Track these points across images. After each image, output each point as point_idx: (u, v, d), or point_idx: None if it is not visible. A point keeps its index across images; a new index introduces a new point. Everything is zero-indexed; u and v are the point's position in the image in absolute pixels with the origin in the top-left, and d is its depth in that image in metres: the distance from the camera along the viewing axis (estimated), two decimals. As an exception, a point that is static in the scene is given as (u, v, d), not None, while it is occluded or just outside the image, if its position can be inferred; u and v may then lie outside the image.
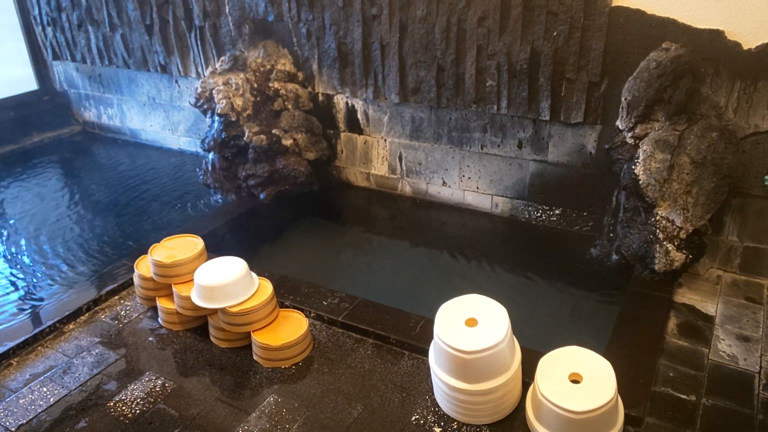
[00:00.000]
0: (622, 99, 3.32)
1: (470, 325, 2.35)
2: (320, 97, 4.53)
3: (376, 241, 4.34)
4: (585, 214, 3.87)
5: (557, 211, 3.97)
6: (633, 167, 3.23)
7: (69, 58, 5.84)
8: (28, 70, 6.26)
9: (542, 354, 2.40)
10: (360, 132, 4.51)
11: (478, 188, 4.19)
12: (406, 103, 4.16)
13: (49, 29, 5.81)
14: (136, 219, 4.62)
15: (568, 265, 3.77)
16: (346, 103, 4.46)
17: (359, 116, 4.45)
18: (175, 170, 5.42)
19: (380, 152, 4.49)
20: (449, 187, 4.30)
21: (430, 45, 3.83)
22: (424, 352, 2.81)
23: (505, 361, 2.33)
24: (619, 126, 3.38)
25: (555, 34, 3.44)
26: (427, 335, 2.87)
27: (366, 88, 4.23)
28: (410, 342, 2.89)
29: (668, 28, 3.21)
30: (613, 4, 3.28)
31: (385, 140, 4.42)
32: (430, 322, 2.96)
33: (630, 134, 3.32)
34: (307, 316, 3.04)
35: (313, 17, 4.20)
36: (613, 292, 3.56)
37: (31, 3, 5.81)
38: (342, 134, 4.60)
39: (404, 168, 4.43)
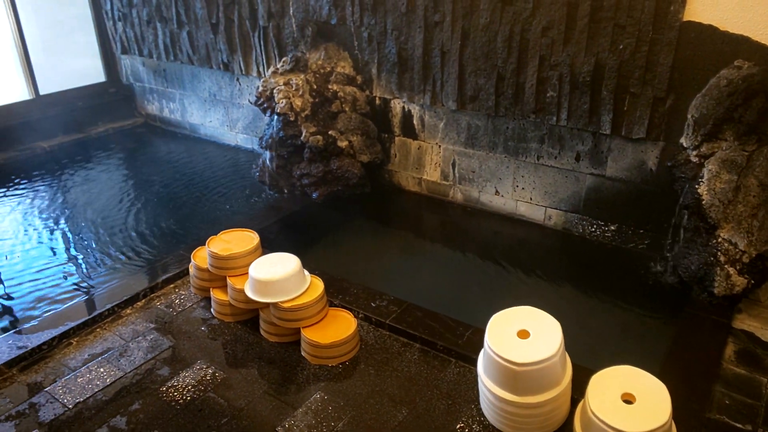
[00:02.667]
0: (689, 116, 3.24)
1: (522, 337, 2.33)
2: (377, 101, 4.57)
3: (425, 247, 4.34)
4: (641, 231, 3.79)
5: (612, 227, 3.89)
6: (696, 186, 3.14)
7: (136, 52, 6.06)
8: (97, 63, 6.52)
9: (592, 371, 2.36)
10: (414, 137, 4.52)
11: (531, 199, 4.15)
12: (463, 110, 4.15)
13: (119, 24, 6.05)
14: (192, 211, 4.75)
15: (621, 283, 3.69)
16: (403, 107, 4.48)
17: (415, 121, 4.47)
18: (230, 165, 5.55)
19: (434, 158, 4.49)
20: (502, 196, 4.27)
21: (491, 53, 3.82)
22: (471, 361, 2.79)
23: (556, 375, 2.30)
24: (684, 144, 3.29)
25: (621, 47, 3.38)
26: (475, 344, 2.86)
27: (423, 94, 4.25)
28: (458, 350, 2.88)
29: (741, 46, 3.11)
30: (685, 19, 3.20)
31: (440, 146, 4.42)
32: (479, 331, 2.96)
33: (695, 152, 3.23)
34: (355, 317, 3.07)
35: (375, 22, 4.25)
36: (666, 313, 3.46)
37: (104, -2, 6.06)
38: (396, 138, 4.63)
39: (457, 175, 4.42)
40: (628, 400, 2.21)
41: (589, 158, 3.80)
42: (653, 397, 2.20)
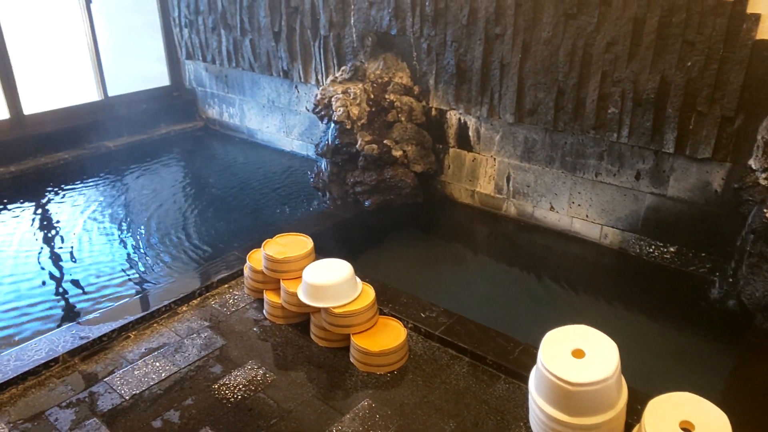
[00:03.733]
0: (759, 137, 3.12)
1: (577, 356, 2.28)
2: (433, 112, 4.58)
3: (476, 260, 4.31)
4: (703, 254, 3.66)
5: (672, 249, 3.77)
6: (764, 210, 3.02)
7: (200, 58, 6.26)
8: (162, 67, 6.76)
9: (648, 396, 2.29)
10: (469, 149, 4.51)
11: (587, 216, 4.07)
12: (521, 123, 4.12)
13: (185, 30, 6.26)
14: (246, 213, 4.86)
15: (680, 306, 3.57)
16: (459, 119, 4.48)
17: (470, 133, 4.45)
18: (285, 171, 5.66)
19: (488, 171, 4.46)
20: (557, 212, 4.21)
21: (552, 67, 3.78)
22: (522, 378, 2.75)
23: (611, 397, 2.24)
24: (752, 165, 3.17)
25: (689, 64, 3.29)
26: (526, 360, 2.82)
27: (481, 106, 4.23)
28: (508, 366, 2.84)
29: (819, 66, 2.99)
30: (758, 38, 3.10)
31: (495, 159, 4.40)
32: (530, 348, 2.91)
33: (764, 175, 3.11)
34: (404, 326, 3.07)
35: (435, 33, 4.26)
36: (727, 340, 3.32)
37: (172, 5, 6.29)
38: (451, 150, 4.62)
39: (511, 189, 4.38)
40: (687, 429, 2.13)
41: (650, 177, 3.71)
42: (713, 426, 2.12)
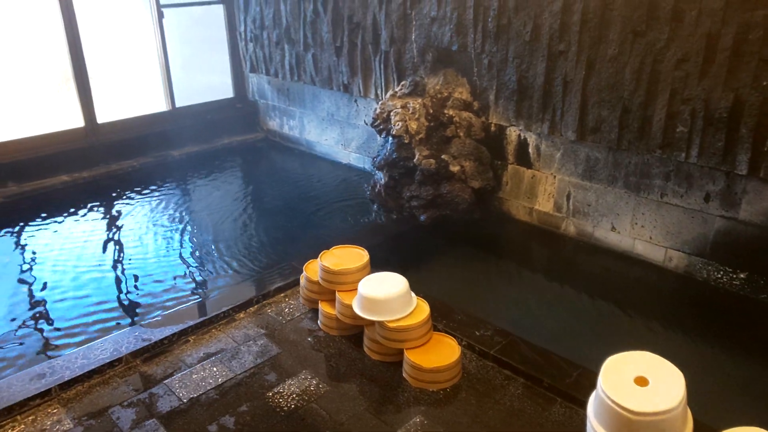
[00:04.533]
0: (842, 161, 2.95)
1: (640, 384, 2.19)
2: (492, 128, 4.54)
3: (532, 278, 4.22)
4: (776, 282, 3.47)
5: (742, 275, 3.60)
6: None
7: (264, 71, 6.43)
8: (227, 80, 6.98)
9: (714, 428, 2.17)
10: (529, 166, 4.44)
11: (651, 238, 3.93)
12: (583, 141, 4.03)
13: (250, 45, 6.45)
14: (303, 224, 4.92)
15: (749, 336, 3.39)
16: (519, 135, 4.42)
17: (530, 150, 4.39)
18: (342, 183, 5.72)
19: (547, 188, 4.38)
20: (618, 233, 4.08)
21: (618, 85, 3.69)
22: (579, 403, 2.67)
23: (676, 429, 2.14)
24: (834, 190, 3.00)
25: (765, 83, 3.14)
26: (584, 385, 2.73)
27: (542, 123, 4.17)
28: (564, 389, 2.76)
29: None
30: (843, 55, 2.94)
31: (555, 177, 4.31)
32: (588, 372, 2.82)
33: None
34: (459, 344, 3.03)
35: (497, 49, 4.24)
36: (803, 375, 3.13)
37: (239, 20, 6.50)
38: (509, 166, 4.57)
39: (571, 207, 4.28)
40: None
41: (721, 199, 3.55)
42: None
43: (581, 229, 4.28)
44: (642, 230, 3.96)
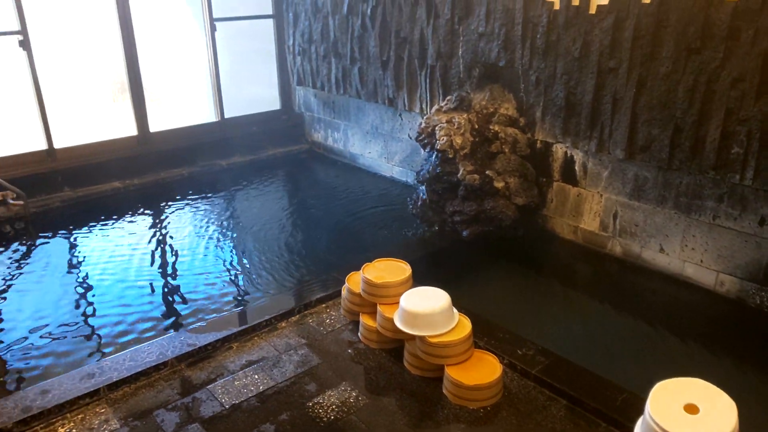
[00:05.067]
0: None
1: (690, 412, 2.12)
2: (538, 144, 4.50)
3: (575, 298, 4.14)
4: (836, 312, 3.32)
5: (799, 303, 3.46)
6: None
7: (310, 84, 6.54)
8: (274, 92, 7.12)
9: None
10: (575, 183, 4.38)
11: (701, 261, 3.82)
12: (632, 160, 3.95)
13: (298, 58, 6.58)
14: (344, 235, 4.96)
15: (806, 368, 3.25)
16: (565, 152, 4.37)
17: (576, 167, 4.33)
18: (384, 196, 5.74)
19: (593, 207, 4.31)
20: (667, 254, 3.98)
21: (670, 103, 3.61)
22: (625, 428, 2.60)
23: (728, 461, 2.06)
24: None
25: (828, 104, 3.04)
26: (629, 410, 2.66)
27: (589, 140, 4.11)
28: (609, 413, 2.69)
29: None
30: None
31: (601, 195, 4.24)
32: (634, 397, 2.75)
33: None
34: (500, 362, 2.99)
35: (545, 66, 4.21)
36: None
37: (288, 34, 6.64)
38: (555, 183, 4.51)
39: (618, 227, 4.20)
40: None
41: (777, 223, 3.43)
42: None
43: (628, 249, 4.19)
44: (692, 253, 3.85)
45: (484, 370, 2.88)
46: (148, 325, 3.72)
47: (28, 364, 3.35)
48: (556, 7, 4.03)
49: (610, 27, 3.77)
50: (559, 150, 4.40)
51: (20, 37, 5.13)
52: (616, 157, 4.03)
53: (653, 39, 3.60)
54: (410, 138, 5.69)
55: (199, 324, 3.44)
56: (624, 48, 3.73)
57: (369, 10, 5.41)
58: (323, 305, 3.67)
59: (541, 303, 4.03)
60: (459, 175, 4.36)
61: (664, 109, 3.65)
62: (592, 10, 3.86)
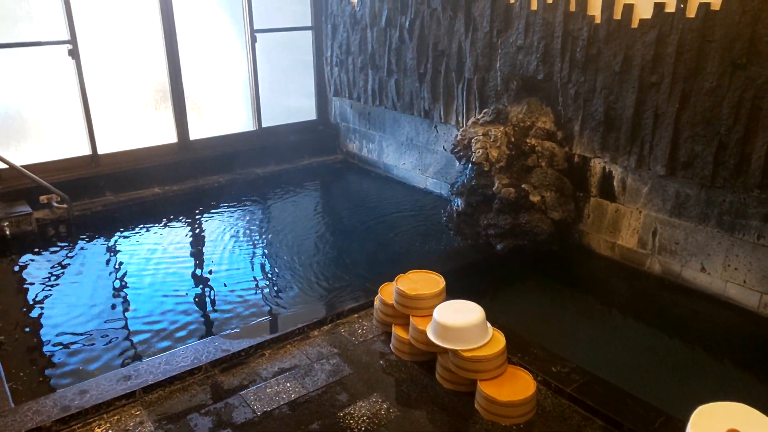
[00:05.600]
0: None
1: (733, 438, 2.05)
2: (576, 159, 4.44)
3: (612, 316, 4.06)
4: None
5: None
6: None
7: (347, 95, 6.60)
8: (311, 102, 7.20)
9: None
10: (612, 199, 4.31)
11: (745, 282, 3.70)
12: (673, 176, 3.87)
13: (335, 69, 6.64)
14: (377, 246, 4.97)
15: None
16: (603, 168, 4.30)
17: (615, 183, 4.26)
18: (418, 207, 5.74)
19: (632, 223, 4.22)
20: (708, 274, 3.87)
21: (714, 119, 3.53)
22: (663, 452, 2.53)
23: (773, 491, 1.99)
24: None
25: None
26: (669, 434, 2.59)
27: (629, 156, 4.04)
28: (647, 436, 2.63)
29: None
30: None
31: (640, 212, 4.16)
32: (673, 420, 2.67)
33: None
34: (534, 379, 2.94)
35: (585, 79, 4.17)
36: None
37: (326, 46, 6.72)
38: (592, 199, 4.44)
39: (657, 244, 4.11)
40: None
41: (826, 245, 3.31)
42: None
43: (667, 267, 4.09)
44: (735, 273, 3.74)
45: (517, 387, 2.84)
46: (183, 329, 3.78)
47: (67, 363, 3.43)
48: (598, 20, 4.00)
49: (653, 41, 3.71)
50: (597, 165, 4.34)
51: (69, 47, 5.31)
52: (657, 174, 3.95)
53: (697, 54, 3.53)
54: (445, 150, 5.68)
55: (232, 330, 3.48)
56: (667, 63, 3.67)
57: (407, 23, 5.44)
58: (355, 315, 3.68)
59: (577, 320, 3.96)
60: (494, 188, 4.33)
61: (708, 125, 3.57)
62: (635, 24, 3.81)
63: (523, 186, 4.32)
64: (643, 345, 3.70)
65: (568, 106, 4.36)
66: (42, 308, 4.01)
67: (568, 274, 4.48)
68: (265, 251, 4.89)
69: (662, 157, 3.84)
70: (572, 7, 4.15)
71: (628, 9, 3.82)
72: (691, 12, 3.53)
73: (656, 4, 3.67)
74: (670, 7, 3.62)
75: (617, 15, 3.89)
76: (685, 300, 3.96)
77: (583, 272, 4.49)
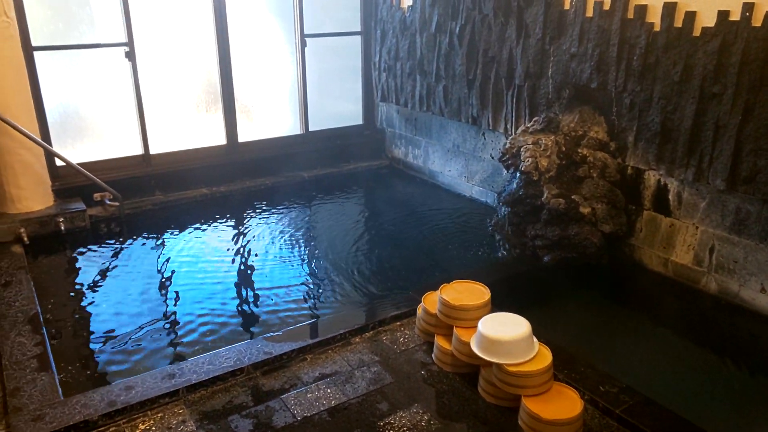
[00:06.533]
0: None
1: (799, 474, 1.93)
2: (629, 170, 4.30)
3: (664, 335, 3.90)
4: None
5: None
6: None
7: (394, 101, 6.58)
8: (357, 107, 7.22)
9: None
10: (667, 213, 4.15)
11: (809, 305, 3.51)
12: (733, 191, 3.70)
13: (383, 75, 6.64)
14: (420, 254, 4.91)
15: None
16: (658, 180, 4.15)
17: (670, 197, 4.10)
18: (462, 215, 5.67)
19: (687, 239, 4.06)
20: (769, 295, 3.69)
21: (780, 133, 3.36)
22: (718, 483, 2.40)
23: None
24: None
25: None
26: (725, 463, 2.46)
27: (686, 169, 3.89)
28: (701, 464, 2.50)
29: None
30: None
31: (697, 228, 3.99)
32: (730, 449, 2.54)
33: None
34: (581, 398, 2.84)
35: (641, 89, 4.03)
36: None
37: (374, 51, 6.72)
38: (645, 212, 4.29)
39: (714, 262, 3.93)
40: None
41: None
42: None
43: (725, 287, 3.91)
44: (799, 295, 3.55)
45: (563, 405, 2.74)
46: (226, 329, 3.82)
47: (113, 359, 3.50)
48: (657, 28, 3.86)
49: (716, 50, 3.56)
50: (652, 177, 4.19)
51: (126, 49, 5.46)
52: (716, 188, 3.78)
53: (763, 64, 3.37)
54: (492, 158, 5.60)
55: (274, 333, 3.48)
56: (730, 73, 3.51)
57: (458, 29, 5.39)
58: (397, 323, 3.64)
59: (626, 338, 3.83)
60: (543, 199, 4.23)
61: (774, 139, 3.40)
62: (696, 33, 3.67)
63: (573, 197, 4.21)
64: (697, 367, 3.54)
65: (623, 116, 4.23)
66: (91, 303, 4.11)
67: (617, 290, 4.34)
68: (308, 255, 4.90)
69: (722, 171, 3.68)
70: (630, 15, 4.02)
71: (690, 16, 3.68)
72: (757, 20, 3.37)
73: (720, 12, 3.52)
74: (735, 15, 3.47)
75: (678, 23, 3.75)
76: (743, 321, 3.78)
77: (634, 288, 4.34)
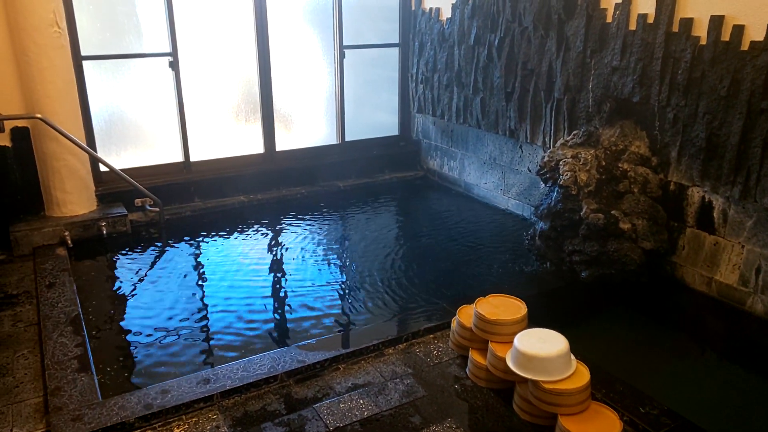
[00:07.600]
0: None
1: None
2: (671, 186, 4.20)
3: (706, 356, 3.78)
4: None
5: None
6: None
7: (430, 112, 6.58)
8: (393, 118, 7.24)
9: None
10: (711, 231, 4.03)
11: None
12: (782, 210, 3.58)
13: (420, 86, 6.65)
14: (454, 266, 4.87)
15: None
16: (702, 197, 4.04)
17: (715, 214, 3.99)
18: (498, 228, 5.61)
19: (732, 258, 3.93)
20: (820, 319, 3.54)
21: (834, 150, 3.24)
22: None
23: None
24: None
25: None
26: (772, 494, 2.35)
27: (732, 186, 3.78)
28: (747, 493, 2.40)
29: None
30: None
31: (743, 247, 3.87)
32: (778, 479, 2.43)
33: None
34: (620, 419, 2.77)
35: (686, 103, 3.94)
36: None
37: (412, 62, 6.74)
38: (688, 229, 4.18)
39: (761, 283, 3.80)
40: None
41: None
42: None
43: (771, 308, 3.78)
44: None
45: (601, 425, 2.68)
46: (260, 336, 3.84)
47: (150, 362, 3.56)
48: (703, 42, 3.78)
49: (765, 65, 3.46)
50: (696, 194, 4.08)
51: (170, 59, 5.60)
52: (764, 206, 3.66)
53: (817, 79, 3.27)
54: (530, 171, 5.54)
55: (308, 341, 3.49)
56: (780, 88, 3.41)
57: (496, 41, 5.37)
58: (431, 336, 3.61)
59: (667, 358, 3.72)
60: (581, 213, 4.16)
61: (827, 157, 3.28)
62: (745, 47, 3.57)
63: (612, 212, 4.13)
64: (742, 391, 3.42)
65: (666, 130, 4.14)
66: (131, 306, 4.19)
67: (658, 308, 4.22)
68: (342, 264, 4.91)
69: (771, 188, 3.56)
70: (675, 28, 3.95)
71: (738, 30, 3.59)
72: (811, 34, 3.27)
73: (771, 25, 3.43)
74: (787, 28, 3.37)
75: (725, 36, 3.66)
76: (792, 345, 3.64)
77: (675, 307, 4.22)
